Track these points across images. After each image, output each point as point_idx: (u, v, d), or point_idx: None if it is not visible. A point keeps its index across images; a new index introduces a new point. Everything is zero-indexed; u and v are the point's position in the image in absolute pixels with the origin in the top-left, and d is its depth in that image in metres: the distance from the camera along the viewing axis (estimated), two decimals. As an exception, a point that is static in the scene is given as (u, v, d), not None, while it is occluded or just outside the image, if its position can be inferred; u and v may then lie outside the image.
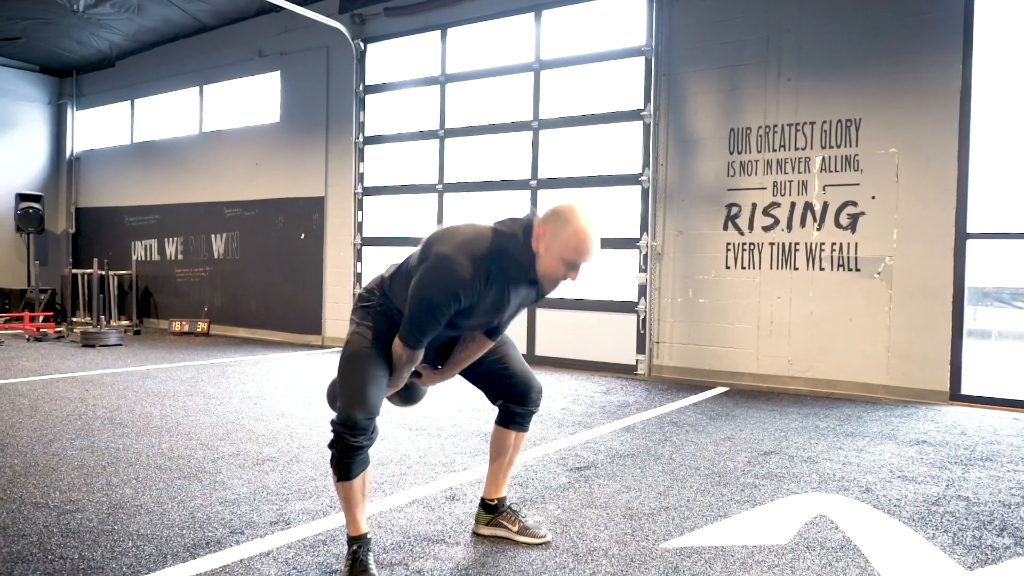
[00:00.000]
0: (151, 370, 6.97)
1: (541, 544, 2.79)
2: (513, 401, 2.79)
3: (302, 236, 9.58)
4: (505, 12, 7.92)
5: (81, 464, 3.76)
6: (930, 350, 5.87)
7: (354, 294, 9.08)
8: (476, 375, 2.77)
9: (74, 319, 10.74)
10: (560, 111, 7.63)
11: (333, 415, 2.44)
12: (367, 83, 8.99)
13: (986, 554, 2.78)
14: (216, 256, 10.58)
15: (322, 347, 9.13)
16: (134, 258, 11.47)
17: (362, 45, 8.96)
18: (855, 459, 4.10)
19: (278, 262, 9.84)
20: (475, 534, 2.88)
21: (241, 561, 2.59)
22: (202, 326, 10.31)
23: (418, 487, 3.49)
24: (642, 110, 7.06)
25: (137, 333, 10.24)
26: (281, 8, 8.69)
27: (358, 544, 2.43)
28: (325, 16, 8.68)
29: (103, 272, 10.42)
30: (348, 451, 2.37)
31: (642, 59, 7.09)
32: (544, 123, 7.69)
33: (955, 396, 5.79)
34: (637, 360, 7.11)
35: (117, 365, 7.24)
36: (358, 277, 9.11)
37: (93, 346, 8.65)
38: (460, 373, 2.73)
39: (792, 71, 6.43)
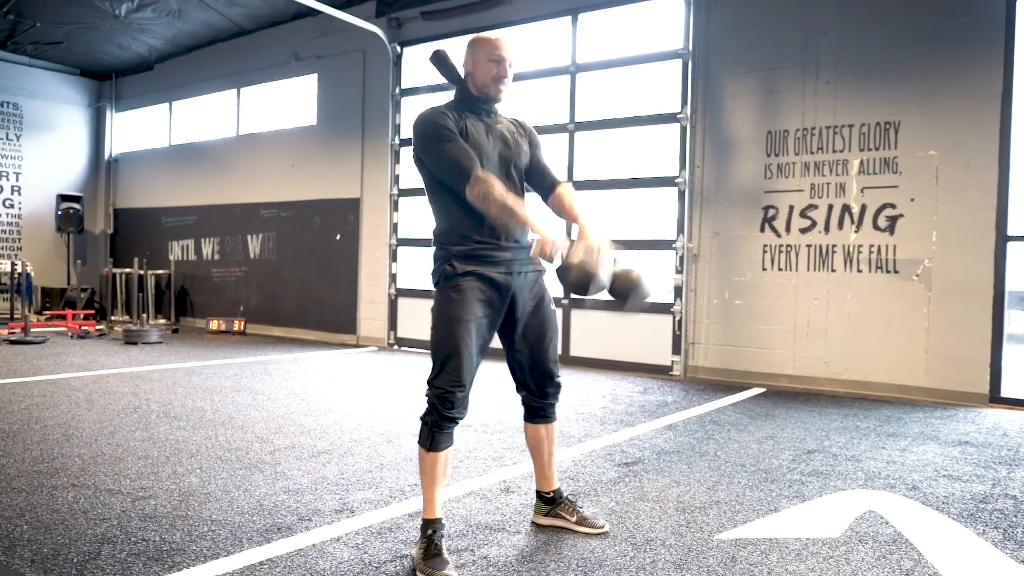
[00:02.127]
0: (195, 367, 7.13)
1: (600, 534, 2.87)
2: (529, 392, 2.88)
3: (338, 237, 9.72)
4: (541, 15, 8.01)
5: (145, 455, 3.89)
6: (969, 352, 5.87)
7: (389, 294, 9.21)
8: (510, 353, 2.86)
9: (113, 318, 10.97)
10: (596, 114, 7.71)
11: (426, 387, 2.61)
12: (403, 86, 9.12)
13: (1038, 550, 2.82)
14: (252, 256, 10.77)
15: (357, 346, 9.27)
16: (171, 258, 11.69)
17: (399, 48, 9.10)
18: (899, 458, 4.14)
19: (314, 262, 10.00)
20: (534, 524, 2.97)
21: (314, 546, 2.70)
22: (238, 325, 10.49)
23: (472, 479, 3.58)
24: (679, 113, 7.12)
25: (175, 331, 10.45)
26: (318, 12, 8.85)
27: (433, 528, 2.54)
28: (362, 20, 8.82)
29: (142, 272, 10.64)
30: (442, 423, 2.54)
31: (679, 62, 7.16)
32: (580, 125, 7.78)
33: (995, 399, 5.79)
34: (672, 361, 7.17)
35: (161, 362, 7.42)
36: (393, 277, 9.24)
37: (135, 343, 8.85)
38: (506, 350, 2.84)
39: (830, 74, 6.46)
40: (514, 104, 8.23)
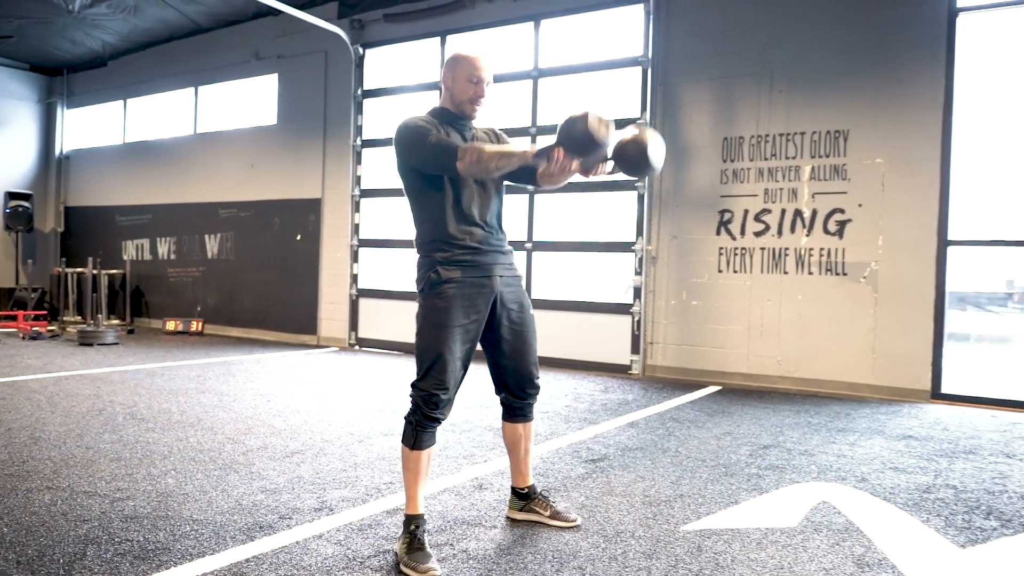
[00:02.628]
0: (156, 368, 7.08)
1: (572, 527, 3.01)
2: (509, 392, 3.01)
3: (298, 237, 9.71)
4: (504, 21, 8.14)
5: (117, 456, 3.91)
6: (913, 351, 6.17)
7: (350, 295, 9.24)
8: (491, 355, 2.98)
9: (65, 318, 10.77)
10: (558, 118, 7.83)
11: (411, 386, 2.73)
12: (366, 87, 9.16)
13: (976, 535, 3.04)
14: (210, 256, 10.68)
15: (318, 347, 9.28)
16: (126, 257, 11.51)
17: (361, 50, 9.13)
18: (848, 452, 4.37)
19: (274, 263, 9.96)
20: (509, 519, 3.09)
21: (297, 543, 2.78)
22: (196, 325, 10.40)
23: (446, 477, 3.69)
24: (639, 119, 7.31)
25: (131, 332, 10.31)
26: (279, 12, 8.83)
27: (416, 523, 2.64)
28: (324, 20, 8.83)
29: (96, 271, 10.47)
30: (425, 423, 2.67)
31: (639, 69, 7.35)
32: (542, 129, 7.92)
33: (936, 395, 6.10)
34: (632, 360, 7.36)
35: (120, 363, 7.35)
36: (354, 278, 9.26)
37: (91, 344, 8.72)
38: (486, 352, 2.98)
39: (784, 83, 6.72)
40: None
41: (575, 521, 3.03)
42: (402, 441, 2.71)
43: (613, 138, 2.65)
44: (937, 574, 2.65)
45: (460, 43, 8.49)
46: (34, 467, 3.68)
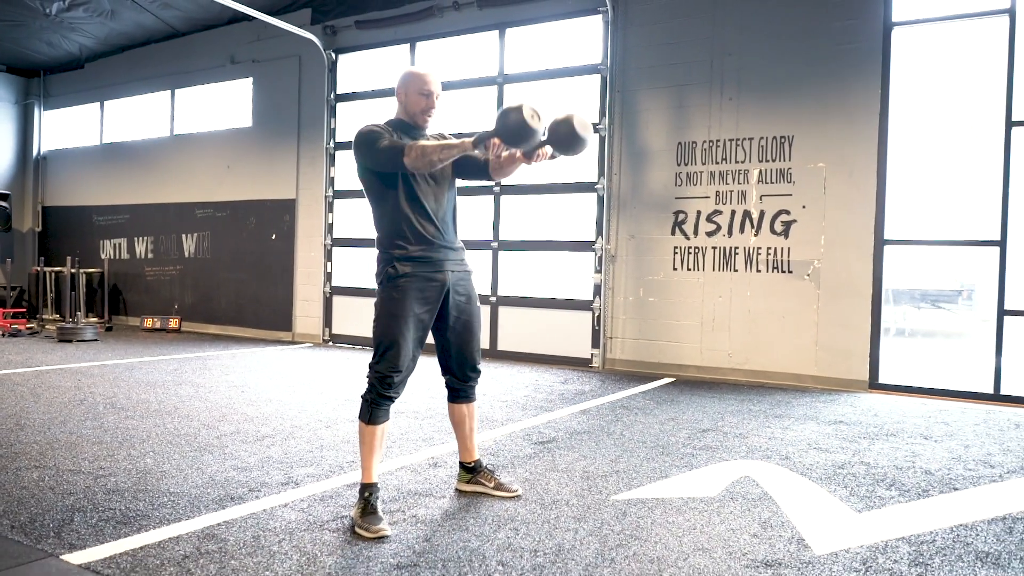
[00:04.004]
0: (134, 363, 7.34)
1: (513, 497, 3.35)
2: (452, 375, 3.34)
3: (273, 237, 9.99)
4: (471, 29, 8.47)
5: (99, 440, 4.20)
6: (852, 344, 6.58)
7: (324, 293, 9.53)
8: (439, 340, 3.30)
9: (44, 316, 10.96)
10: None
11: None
12: (338, 92, 9.45)
13: (874, 502, 3.42)
14: (187, 255, 10.92)
15: (293, 343, 9.56)
16: (103, 256, 11.72)
17: (333, 55, 9.42)
18: (780, 435, 4.75)
19: (249, 261, 10.23)
20: (457, 491, 3.43)
21: (264, 511, 3.10)
22: (174, 323, 10.64)
23: (404, 456, 4.02)
24: (598, 124, 7.67)
25: (109, 329, 10.53)
26: (253, 18, 9.10)
27: (370, 491, 2.97)
28: (297, 27, 9.12)
29: (74, 270, 10.67)
30: (379, 400, 2.99)
31: (598, 76, 7.71)
32: (507, 133, 8.24)
33: (874, 385, 6.51)
34: (592, 354, 7.72)
35: (99, 358, 7.60)
36: (328, 276, 9.56)
37: (70, 341, 8.95)
38: (435, 337, 3.30)
39: (733, 91, 7.10)
40: (445, 112, 8.66)
41: (516, 492, 3.37)
42: (359, 417, 3.04)
43: (545, 125, 2.97)
44: (829, 532, 3.01)
45: (429, 49, 8.82)
46: (21, 449, 3.96)
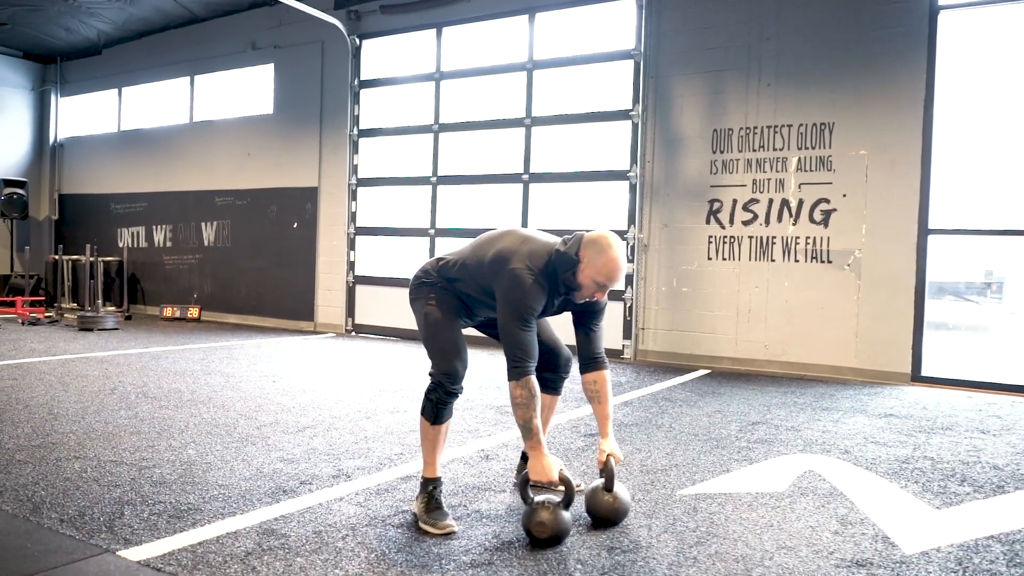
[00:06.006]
0: (159, 352, 7.23)
1: (576, 491, 3.21)
2: (544, 368, 3.20)
3: (295, 225, 9.86)
4: (499, 13, 8.30)
5: (137, 430, 4.08)
6: (894, 336, 6.43)
7: (347, 282, 9.40)
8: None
9: (61, 305, 10.86)
10: (552, 109, 8.05)
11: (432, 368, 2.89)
12: (362, 78, 9.30)
13: (950, 498, 3.27)
14: (206, 244, 10.81)
15: (315, 332, 9.44)
16: (121, 245, 11.61)
17: (357, 41, 9.27)
18: (832, 428, 4.61)
19: (270, 250, 10.11)
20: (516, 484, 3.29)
21: (320, 504, 2.97)
22: (193, 312, 10.53)
23: (453, 449, 3.89)
24: (631, 110, 7.51)
25: (128, 318, 10.43)
26: (276, 2, 8.96)
27: (433, 485, 2.84)
28: (321, 11, 8.96)
29: (93, 258, 10.56)
30: (445, 398, 2.83)
31: (631, 62, 7.54)
32: (537, 120, 8.11)
33: (916, 378, 6.35)
34: (624, 345, 7.57)
35: (123, 347, 7.49)
36: (351, 265, 9.43)
37: (91, 330, 8.85)
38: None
39: (771, 77, 6.93)
40: (472, 99, 8.52)
41: (579, 486, 3.23)
42: (422, 415, 2.88)
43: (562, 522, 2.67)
44: (914, 530, 2.87)
45: (456, 35, 8.66)
46: (58, 439, 3.84)
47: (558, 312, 2.99)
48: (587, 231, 2.83)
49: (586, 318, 3.03)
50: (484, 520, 2.87)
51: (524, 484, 2.72)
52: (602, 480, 2.88)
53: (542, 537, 2.60)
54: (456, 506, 2.99)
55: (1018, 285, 12.02)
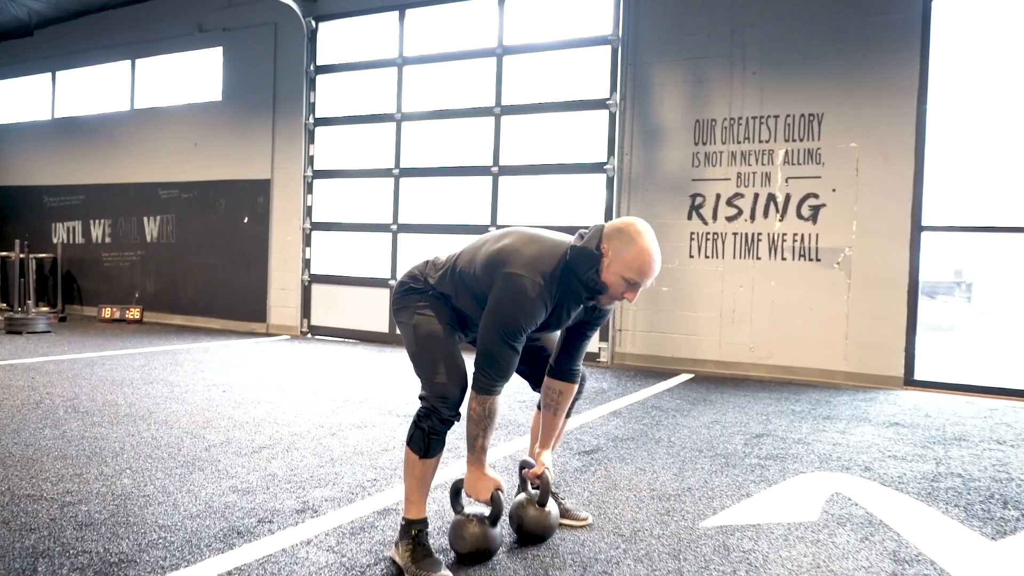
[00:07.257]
0: (94, 358, 6.57)
1: (585, 526, 2.76)
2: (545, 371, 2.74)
3: (245, 220, 9.22)
4: (467, -5, 7.81)
5: (62, 454, 3.50)
6: (886, 338, 6.12)
7: (302, 281, 8.81)
8: (521, 362, 2.68)
9: (-11, 305, 10.04)
10: (524, 98, 7.58)
11: (422, 391, 2.39)
12: (319, 63, 8.71)
13: (1001, 526, 2.91)
14: (149, 239, 10.08)
15: (267, 334, 8.82)
16: (55, 241, 10.80)
17: (313, 23, 8.68)
18: (842, 440, 4.24)
19: (219, 247, 9.44)
20: (513, 518, 2.82)
21: (284, 551, 2.46)
22: (134, 313, 9.80)
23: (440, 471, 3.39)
24: (608, 99, 7.09)
25: (63, 320, 9.66)
26: (225, -19, 8.33)
27: (418, 528, 2.36)
28: (274, -9, 8.36)
29: (23, 255, 9.76)
30: (439, 427, 2.35)
31: (608, 48, 7.12)
32: (507, 109, 7.63)
33: (909, 381, 6.06)
34: (600, 348, 7.16)
35: (54, 352, 6.80)
36: (307, 263, 8.83)
37: (20, 333, 8.10)
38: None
39: (756, 65, 6.58)
40: (438, 87, 8.01)
41: (586, 519, 2.79)
42: (408, 445, 2.39)
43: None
44: (976, 568, 2.49)
45: (419, 18, 8.13)
46: (-34, 468, 3.25)
47: (573, 324, 2.53)
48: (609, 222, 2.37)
49: (583, 324, 2.57)
50: (483, 570, 2.39)
51: (455, 494, 2.56)
52: (534, 492, 2.64)
53: (463, 552, 2.42)
54: (447, 549, 2.51)
55: (987, 285, 12.01)
